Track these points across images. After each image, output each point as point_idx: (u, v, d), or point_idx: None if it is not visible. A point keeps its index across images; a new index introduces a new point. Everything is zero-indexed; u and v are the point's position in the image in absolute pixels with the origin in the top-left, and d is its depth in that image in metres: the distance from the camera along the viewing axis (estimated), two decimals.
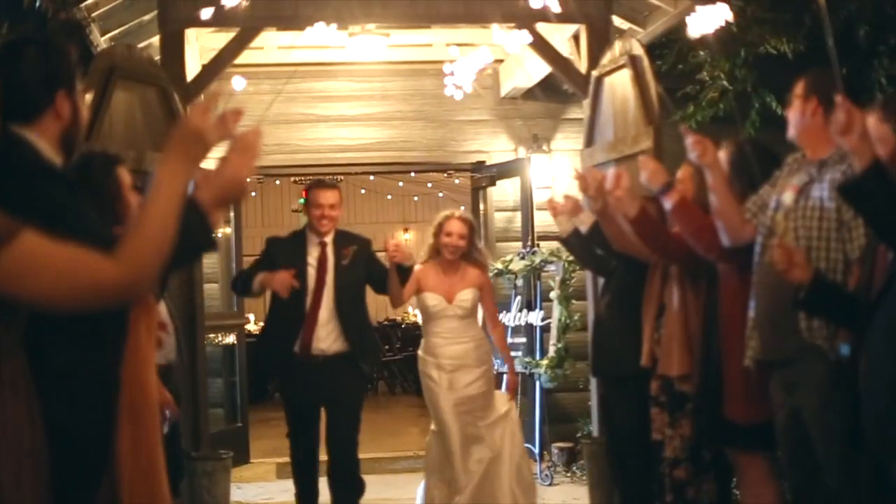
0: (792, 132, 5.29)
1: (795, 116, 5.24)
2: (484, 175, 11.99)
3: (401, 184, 19.64)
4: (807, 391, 5.10)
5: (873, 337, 4.33)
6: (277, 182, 20.10)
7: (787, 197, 5.24)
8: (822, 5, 4.23)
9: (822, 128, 4.94)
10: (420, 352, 8.20)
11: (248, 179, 3.36)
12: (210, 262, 10.45)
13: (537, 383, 10.27)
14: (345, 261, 7.76)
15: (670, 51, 10.05)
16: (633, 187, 6.15)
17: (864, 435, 4.33)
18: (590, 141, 8.96)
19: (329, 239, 7.82)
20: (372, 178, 18.39)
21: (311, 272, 7.74)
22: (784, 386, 5.28)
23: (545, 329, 10.46)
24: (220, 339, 11.85)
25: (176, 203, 2.86)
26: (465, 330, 8.13)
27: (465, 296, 8.11)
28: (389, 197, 20.38)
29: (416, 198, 20.86)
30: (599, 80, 8.69)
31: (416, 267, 8.03)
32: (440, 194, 19.66)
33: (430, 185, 19.77)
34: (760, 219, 5.40)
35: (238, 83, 8.73)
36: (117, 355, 3.33)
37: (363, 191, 21.15)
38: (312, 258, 7.76)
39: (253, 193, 19.78)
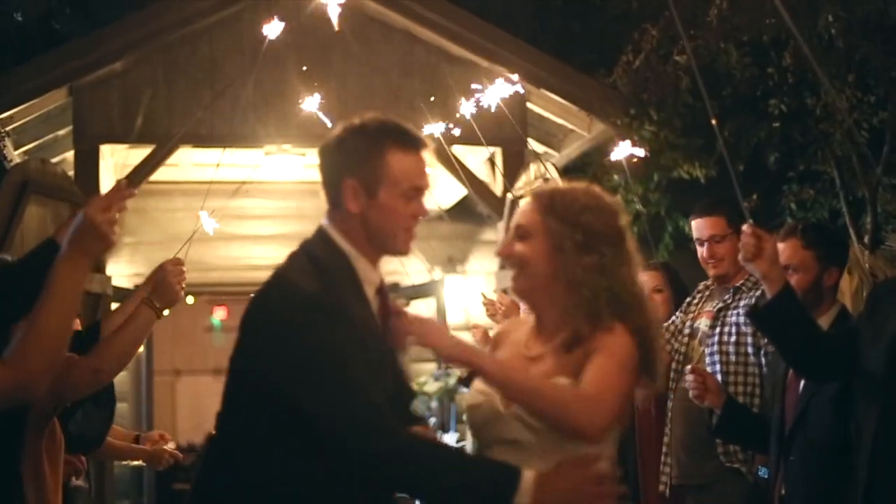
0: (727, 269, 5.25)
1: (732, 251, 5.00)
2: (399, 296, 11.95)
3: None
4: None
5: (792, 462, 4.38)
6: (190, 300, 19.87)
7: (703, 323, 5.31)
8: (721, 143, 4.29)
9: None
10: None
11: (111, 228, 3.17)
12: (120, 380, 10.20)
13: None
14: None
15: (585, 174, 10.17)
16: None
17: None
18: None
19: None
20: None
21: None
22: None
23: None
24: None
25: (73, 300, 2.78)
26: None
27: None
28: None
29: None
30: (515, 202, 8.76)
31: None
32: None
33: None
34: (674, 345, 5.45)
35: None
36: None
37: None
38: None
39: (165, 312, 19.52)
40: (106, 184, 9.55)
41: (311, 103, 6.34)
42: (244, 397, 2.99)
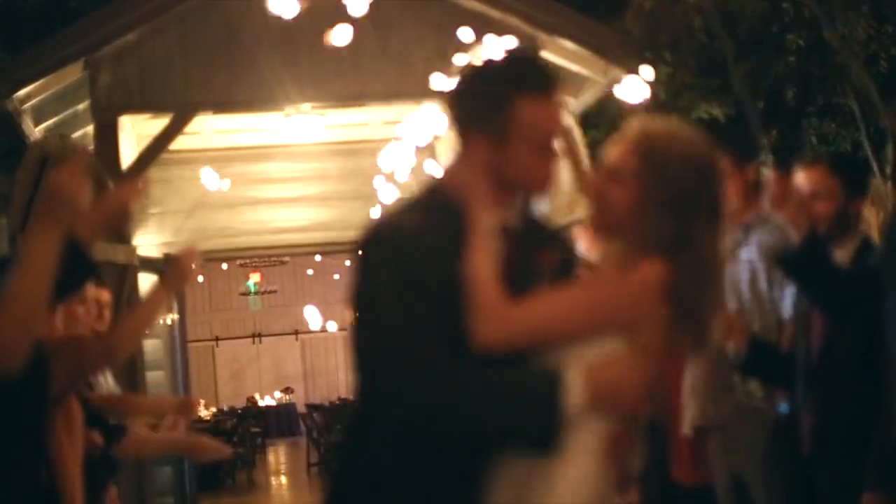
0: (734, 207, 5.19)
1: (738, 190, 5.16)
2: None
3: (348, 262, 19.55)
4: (747, 452, 5.10)
5: (819, 396, 4.38)
6: (225, 266, 20.02)
7: None
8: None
9: (754, 193, 5.12)
10: None
11: (132, 208, 3.36)
12: (153, 349, 10.34)
13: None
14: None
15: (604, 119, 10.14)
16: None
17: (818, 495, 4.36)
18: None
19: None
20: (318, 258, 18.35)
21: None
22: (723, 449, 5.27)
23: None
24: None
25: (46, 271, 2.75)
26: None
27: None
28: (337, 276, 20.31)
29: None
30: None
31: None
32: None
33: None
34: None
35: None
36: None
37: (310, 271, 21.12)
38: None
39: (200, 279, 19.70)
40: (128, 155, 9.61)
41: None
42: None
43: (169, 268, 4.37)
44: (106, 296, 5.68)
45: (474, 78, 2.79)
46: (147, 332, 4.35)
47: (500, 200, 2.81)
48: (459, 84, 2.80)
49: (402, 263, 2.66)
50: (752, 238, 5.13)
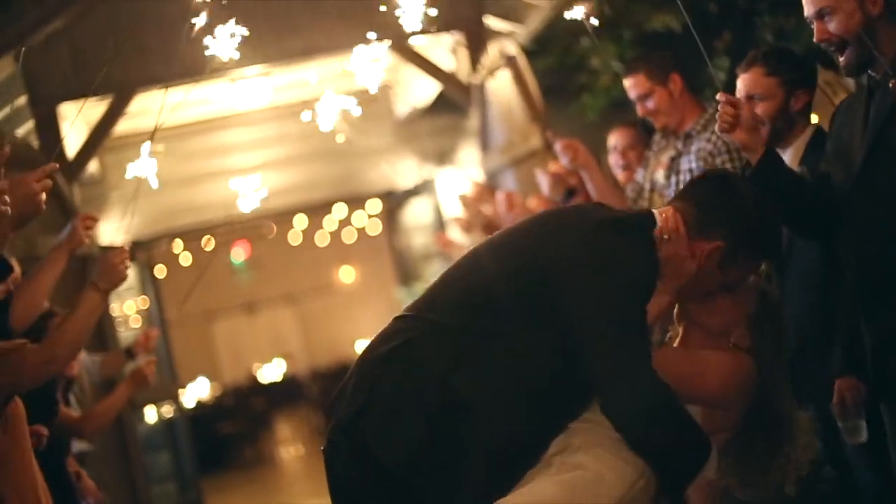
0: (665, 120, 5.24)
1: (664, 103, 5.19)
2: (396, 199, 11.85)
3: (328, 223, 19.28)
4: None
5: (788, 290, 4.35)
6: (208, 240, 19.65)
7: (659, 175, 5.29)
8: None
9: (687, 100, 5.15)
10: None
11: (42, 196, 3.70)
12: (129, 338, 10.14)
13: None
14: None
15: (556, 44, 9.86)
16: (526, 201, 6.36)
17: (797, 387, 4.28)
18: (485, 147, 8.84)
19: None
20: (299, 222, 18.16)
21: None
22: None
23: None
24: (162, 411, 11.56)
25: None
26: None
27: None
28: (321, 237, 20.10)
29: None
30: (481, 85, 8.55)
31: None
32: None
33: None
34: (640, 203, 5.40)
35: None
36: None
37: (295, 236, 20.90)
38: None
39: (187, 260, 19.42)
40: (77, 143, 9.40)
41: None
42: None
43: (97, 268, 4.22)
44: None
45: (755, 223, 3.38)
46: (86, 337, 4.22)
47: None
48: (740, 200, 3.39)
49: (648, 283, 3.20)
50: (693, 147, 5.05)
